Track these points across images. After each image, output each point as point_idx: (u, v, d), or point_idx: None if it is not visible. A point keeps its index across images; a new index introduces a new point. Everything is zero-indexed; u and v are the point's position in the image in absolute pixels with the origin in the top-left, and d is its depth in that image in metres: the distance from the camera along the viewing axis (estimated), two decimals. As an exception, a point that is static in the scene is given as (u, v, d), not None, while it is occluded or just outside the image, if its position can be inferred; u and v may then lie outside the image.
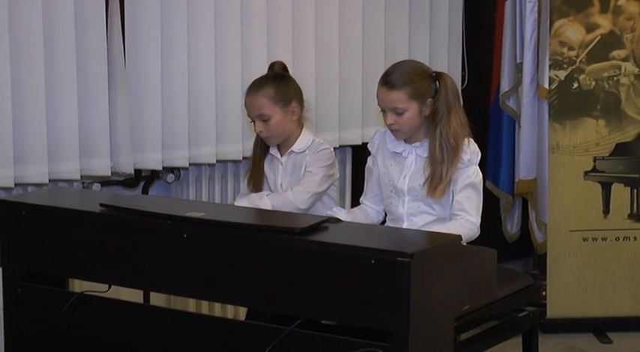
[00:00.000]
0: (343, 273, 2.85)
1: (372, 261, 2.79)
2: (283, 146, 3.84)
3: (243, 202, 3.69)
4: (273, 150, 3.86)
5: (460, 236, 3.09)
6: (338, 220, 3.18)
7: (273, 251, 2.95)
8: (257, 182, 3.87)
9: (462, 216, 3.47)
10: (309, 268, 2.90)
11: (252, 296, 3.02)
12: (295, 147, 3.81)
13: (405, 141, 3.57)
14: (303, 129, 3.85)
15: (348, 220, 3.52)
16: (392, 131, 3.53)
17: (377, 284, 2.80)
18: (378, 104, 3.52)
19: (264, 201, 3.66)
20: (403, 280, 2.76)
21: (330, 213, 3.59)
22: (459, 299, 3.03)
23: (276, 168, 3.86)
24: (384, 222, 3.73)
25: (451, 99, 3.48)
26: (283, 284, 2.94)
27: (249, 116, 3.81)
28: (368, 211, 3.69)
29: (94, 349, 3.31)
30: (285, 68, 3.87)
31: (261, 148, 3.88)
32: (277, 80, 3.78)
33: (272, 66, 3.89)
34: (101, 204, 3.28)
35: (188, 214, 3.11)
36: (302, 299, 2.92)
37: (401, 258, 2.76)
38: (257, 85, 3.77)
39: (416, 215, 3.55)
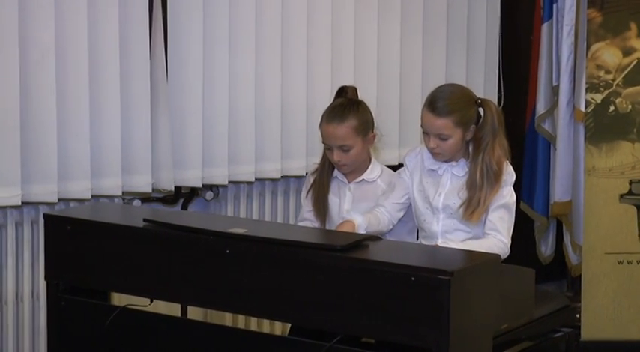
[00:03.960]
0: (383, 290, 2.88)
1: (413, 279, 2.82)
2: (351, 172, 3.82)
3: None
4: (339, 174, 3.84)
5: (499, 255, 3.13)
6: (378, 238, 3.21)
7: (314, 267, 2.99)
8: (323, 206, 3.83)
9: (494, 235, 3.49)
10: (350, 285, 2.93)
11: (293, 311, 3.05)
12: (367, 177, 3.81)
13: (442, 160, 3.61)
14: (373, 158, 3.85)
15: (363, 226, 3.53)
16: (433, 154, 3.56)
17: (417, 301, 2.83)
18: (422, 126, 3.54)
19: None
20: (443, 298, 2.79)
21: (346, 217, 3.63)
22: (498, 318, 3.05)
23: (343, 193, 3.83)
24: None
25: (497, 126, 3.50)
26: (323, 301, 2.98)
27: (326, 143, 3.77)
28: (380, 218, 3.65)
29: (135, 362, 3.36)
30: (356, 93, 3.86)
31: (329, 171, 3.85)
32: (358, 109, 3.76)
33: (344, 91, 3.85)
34: (145, 220, 3.33)
35: (230, 230, 3.16)
36: (342, 315, 2.95)
37: (441, 275, 2.79)
38: (340, 115, 3.73)
39: (450, 232, 3.57)
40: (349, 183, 3.83)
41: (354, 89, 3.87)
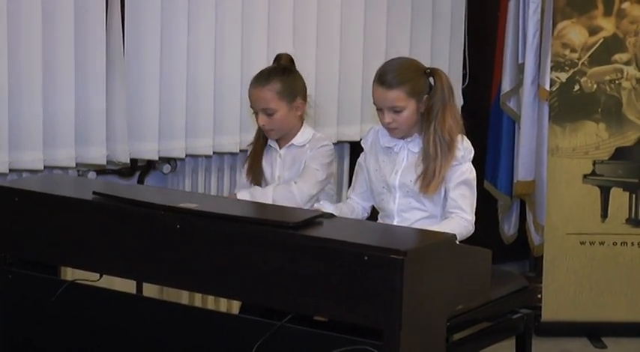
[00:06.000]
0: (336, 269, 2.82)
1: (365, 258, 2.77)
2: (282, 139, 3.81)
3: (245, 195, 3.66)
4: (272, 142, 3.84)
5: (455, 235, 3.08)
6: (332, 215, 3.15)
7: (265, 244, 2.93)
8: (256, 174, 3.83)
9: (457, 213, 3.46)
10: (302, 263, 2.88)
11: (244, 289, 3.00)
12: (296, 141, 3.79)
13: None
14: (304, 124, 3.83)
15: (334, 212, 3.49)
16: (389, 129, 3.52)
17: (369, 281, 2.77)
18: (374, 103, 3.51)
19: (266, 195, 3.64)
20: (396, 278, 2.73)
21: (316, 206, 3.58)
22: (452, 299, 3.01)
23: (274, 160, 3.83)
24: (368, 219, 3.72)
25: (446, 95, 3.48)
26: (275, 278, 2.92)
27: (252, 107, 3.77)
28: (354, 206, 3.69)
29: (84, 337, 3.30)
30: (291, 61, 3.84)
31: (263, 140, 3.85)
32: (285, 74, 3.75)
33: (279, 58, 3.85)
34: (94, 193, 3.26)
35: (181, 205, 3.10)
36: (294, 293, 2.90)
37: (394, 255, 2.74)
38: (264, 78, 3.73)
39: (407, 211, 3.54)
40: (280, 149, 3.81)
41: (288, 56, 3.86)
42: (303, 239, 2.89)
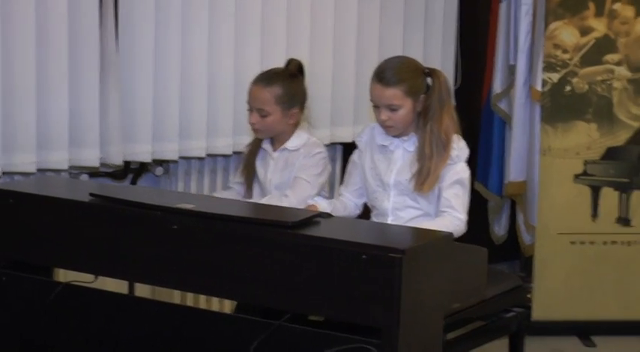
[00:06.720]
0: (334, 268, 2.82)
1: (363, 257, 2.77)
2: (276, 142, 3.82)
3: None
4: (266, 145, 3.84)
5: (452, 233, 3.08)
6: (329, 215, 3.16)
7: (263, 244, 2.92)
8: (249, 174, 3.85)
9: (450, 212, 3.48)
10: (300, 262, 2.87)
11: (241, 289, 2.99)
12: (289, 145, 3.79)
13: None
14: (298, 128, 3.82)
15: (328, 209, 3.51)
16: (385, 127, 3.53)
17: (367, 280, 2.77)
18: (371, 100, 3.52)
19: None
20: (394, 276, 2.73)
21: (310, 202, 3.61)
22: (450, 297, 3.00)
23: (267, 163, 3.83)
24: (360, 216, 3.73)
25: (444, 96, 3.50)
26: (272, 278, 2.92)
27: (248, 103, 3.78)
28: (346, 203, 3.70)
29: (78, 339, 3.28)
30: (300, 68, 3.84)
31: (258, 142, 3.86)
32: (289, 81, 3.75)
33: (289, 62, 3.85)
34: (91, 194, 3.25)
35: (178, 205, 3.08)
36: (291, 293, 2.89)
37: (392, 254, 2.74)
38: (267, 79, 3.74)
39: (401, 210, 3.55)
40: (274, 152, 3.82)
41: (298, 63, 3.86)
42: (301, 238, 2.88)
